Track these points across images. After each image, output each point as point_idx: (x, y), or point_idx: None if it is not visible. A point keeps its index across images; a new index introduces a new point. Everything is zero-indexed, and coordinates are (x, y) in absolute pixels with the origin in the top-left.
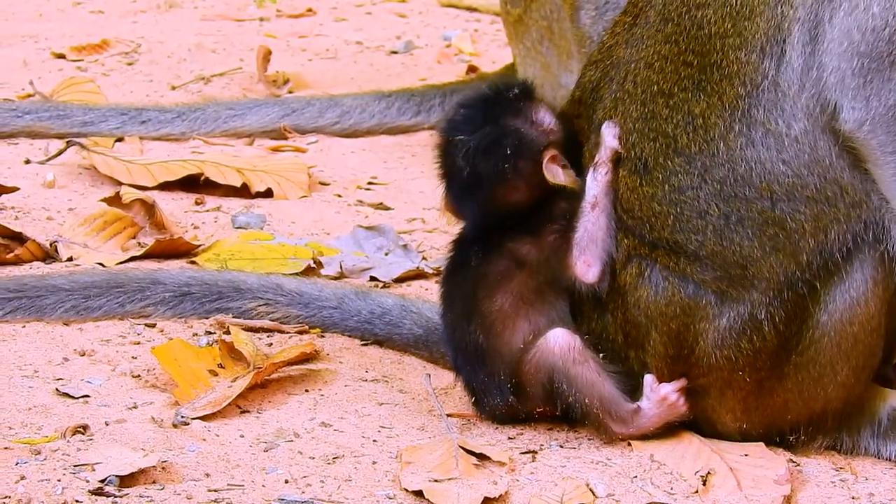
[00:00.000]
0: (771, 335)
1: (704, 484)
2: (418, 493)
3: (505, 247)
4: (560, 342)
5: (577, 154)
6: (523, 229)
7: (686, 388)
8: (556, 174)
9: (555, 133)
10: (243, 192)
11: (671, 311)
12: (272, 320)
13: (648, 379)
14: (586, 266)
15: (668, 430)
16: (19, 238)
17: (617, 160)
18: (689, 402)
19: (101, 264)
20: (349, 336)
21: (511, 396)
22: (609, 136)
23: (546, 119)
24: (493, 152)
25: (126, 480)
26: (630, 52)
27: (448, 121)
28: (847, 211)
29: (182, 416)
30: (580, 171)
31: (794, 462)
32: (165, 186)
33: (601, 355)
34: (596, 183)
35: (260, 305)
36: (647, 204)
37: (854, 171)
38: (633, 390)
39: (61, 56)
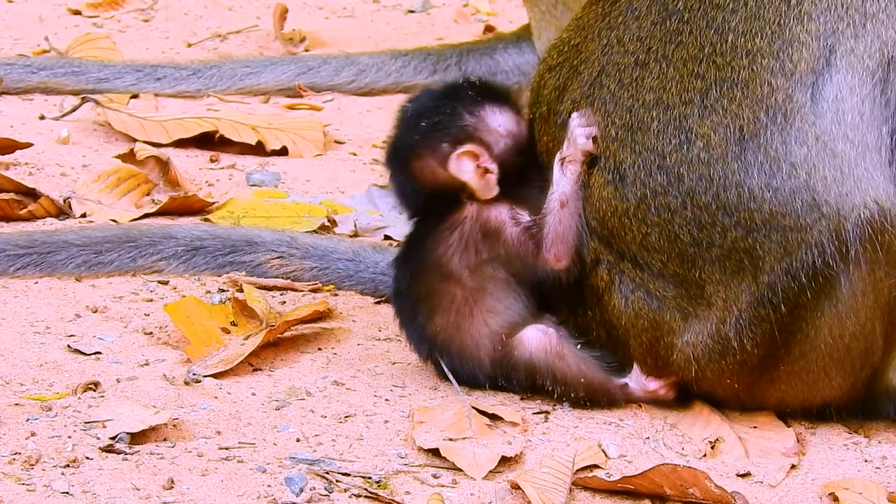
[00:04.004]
0: (749, 350)
1: (713, 449)
2: (432, 452)
3: (427, 260)
4: (535, 344)
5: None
6: (444, 233)
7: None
8: (462, 170)
9: (495, 135)
10: (258, 149)
11: (641, 324)
12: (286, 273)
13: (636, 370)
14: (557, 260)
15: (678, 398)
16: (33, 194)
17: (589, 158)
18: (682, 388)
19: (114, 221)
20: (363, 291)
21: (503, 385)
22: (581, 137)
23: (493, 120)
24: (418, 120)
25: (137, 437)
26: (609, 43)
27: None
28: (818, 236)
29: (194, 374)
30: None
31: (806, 424)
32: (180, 143)
33: (578, 345)
34: (565, 180)
35: (274, 258)
36: (618, 218)
37: (849, 188)
38: (621, 366)
39: (77, 12)
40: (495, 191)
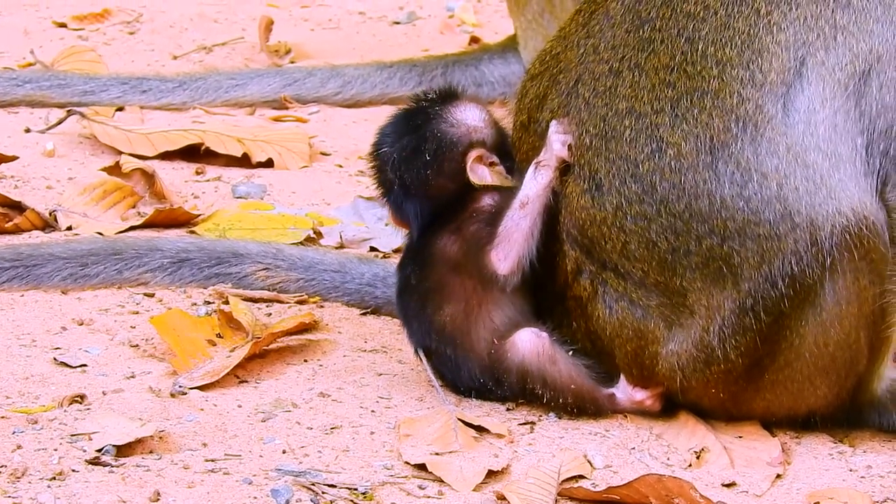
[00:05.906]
0: (733, 359)
1: (698, 458)
2: (420, 466)
3: (436, 253)
4: (528, 346)
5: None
6: (450, 227)
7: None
8: (482, 175)
9: (481, 131)
10: (244, 161)
11: (625, 334)
12: (272, 285)
13: (623, 380)
14: (498, 260)
15: (664, 409)
16: (19, 207)
17: (563, 166)
18: (668, 398)
19: (100, 233)
20: (348, 302)
21: (493, 389)
22: (557, 143)
23: (470, 118)
24: (414, 160)
25: (123, 450)
26: (586, 52)
27: (376, 137)
28: (794, 245)
29: (180, 386)
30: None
31: (791, 433)
32: (166, 156)
33: (570, 352)
34: (534, 184)
35: (260, 270)
36: (598, 226)
37: (822, 198)
38: (609, 377)
39: (62, 25)
40: (509, 176)
